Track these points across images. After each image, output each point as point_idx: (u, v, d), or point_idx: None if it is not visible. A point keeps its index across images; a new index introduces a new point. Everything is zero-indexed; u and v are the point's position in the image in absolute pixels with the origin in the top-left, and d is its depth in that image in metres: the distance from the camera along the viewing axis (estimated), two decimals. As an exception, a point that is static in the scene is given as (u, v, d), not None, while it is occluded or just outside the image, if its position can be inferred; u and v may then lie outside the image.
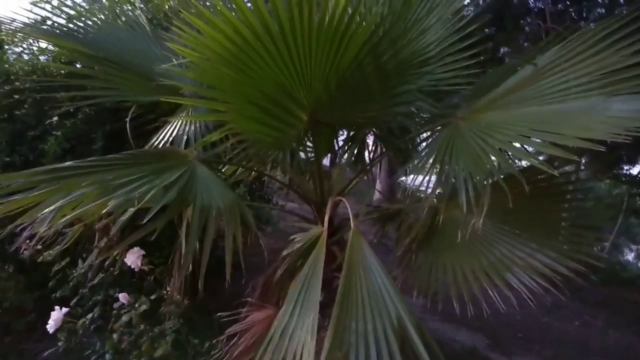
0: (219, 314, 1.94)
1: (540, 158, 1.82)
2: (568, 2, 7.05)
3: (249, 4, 1.34)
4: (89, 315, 2.05)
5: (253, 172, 2.36)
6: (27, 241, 2.16)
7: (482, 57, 2.16)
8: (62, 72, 2.88)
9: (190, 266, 1.51)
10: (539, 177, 1.93)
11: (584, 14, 6.92)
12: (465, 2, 2.17)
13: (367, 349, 1.20)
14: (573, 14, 6.96)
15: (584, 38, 1.59)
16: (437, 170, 1.58)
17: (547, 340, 4.61)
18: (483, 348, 4.22)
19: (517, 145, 1.51)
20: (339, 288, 1.30)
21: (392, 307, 1.30)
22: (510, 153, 1.61)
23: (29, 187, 1.37)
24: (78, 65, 2.74)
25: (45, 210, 1.31)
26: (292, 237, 1.73)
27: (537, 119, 1.50)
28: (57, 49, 2.74)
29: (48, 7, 2.29)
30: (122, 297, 2.02)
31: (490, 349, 4.23)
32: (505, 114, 1.60)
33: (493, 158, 1.46)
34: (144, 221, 1.35)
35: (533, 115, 1.53)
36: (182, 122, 2.20)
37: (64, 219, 1.35)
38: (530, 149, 1.56)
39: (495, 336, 4.42)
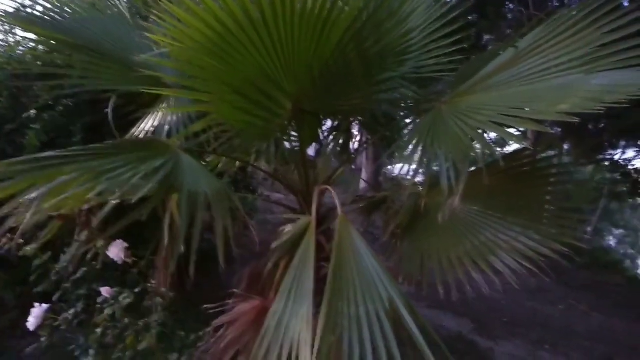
0: (205, 305, 1.92)
1: (524, 144, 1.84)
2: (550, -11, 7.10)
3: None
4: (72, 310, 2.02)
5: (237, 163, 2.34)
6: (8, 235, 2.12)
7: (465, 45, 2.16)
8: (39, 63, 2.81)
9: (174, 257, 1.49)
10: (523, 161, 1.95)
11: (566, 1, 6.97)
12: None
13: (360, 332, 1.21)
14: (555, 0, 7.00)
15: (564, 19, 1.59)
16: (420, 155, 1.57)
17: (532, 324, 4.69)
18: (469, 333, 4.28)
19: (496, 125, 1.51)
20: (329, 273, 1.31)
21: (384, 290, 1.31)
22: (490, 133, 1.61)
23: (9, 177, 1.33)
24: (56, 54, 2.68)
25: (26, 198, 1.28)
26: (282, 228, 1.72)
27: (516, 98, 1.50)
28: (34, 38, 2.67)
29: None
30: (105, 290, 1.99)
31: (477, 333, 4.29)
32: (485, 96, 1.60)
33: (471, 138, 1.46)
34: (129, 211, 1.32)
35: (512, 95, 1.53)
36: (163, 113, 2.16)
37: (48, 205, 1.31)
38: (512, 130, 1.56)
39: (481, 321, 4.49)
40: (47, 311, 1.92)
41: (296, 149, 2.15)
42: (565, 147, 7.65)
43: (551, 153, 1.97)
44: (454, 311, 4.51)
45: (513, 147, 2.12)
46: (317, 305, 1.33)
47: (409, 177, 1.76)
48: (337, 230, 1.47)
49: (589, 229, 8.07)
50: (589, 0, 1.51)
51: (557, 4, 7.00)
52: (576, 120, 1.19)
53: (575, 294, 5.73)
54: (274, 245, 1.72)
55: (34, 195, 1.27)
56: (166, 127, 2.08)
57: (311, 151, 2.43)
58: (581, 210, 1.92)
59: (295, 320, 1.29)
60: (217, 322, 1.90)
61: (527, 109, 1.41)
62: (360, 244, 1.44)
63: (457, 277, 1.78)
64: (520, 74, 1.59)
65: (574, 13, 1.57)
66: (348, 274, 1.35)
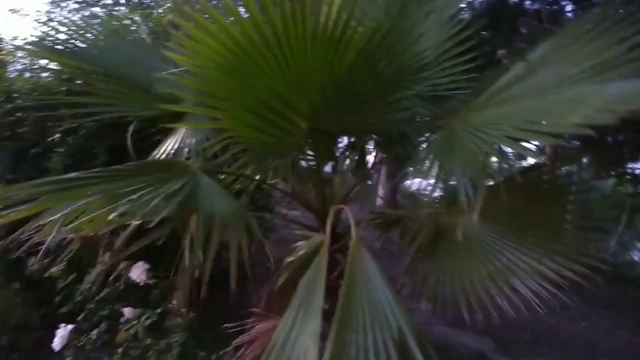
0: (225, 325, 1.93)
1: (542, 159, 1.82)
2: (564, 3, 7.08)
3: (244, 13, 1.35)
4: (95, 331, 2.05)
5: (255, 182, 2.37)
6: (34, 257, 2.18)
7: (479, 61, 2.17)
8: (63, 89, 2.90)
9: (195, 278, 1.51)
10: (542, 178, 1.93)
11: (581, 15, 6.94)
12: (462, 6, 2.18)
13: None
14: (569, 14, 6.98)
15: (574, 31, 1.60)
16: (436, 172, 1.57)
17: (555, 342, 4.58)
18: (491, 352, 4.20)
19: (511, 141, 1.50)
20: (339, 300, 1.30)
21: (393, 319, 1.28)
22: (505, 148, 1.60)
23: (34, 198, 1.38)
24: (79, 82, 2.77)
25: (50, 219, 1.32)
26: (295, 245, 1.73)
27: (529, 111, 1.49)
28: (58, 66, 2.76)
29: (49, 25, 2.31)
30: (127, 311, 2.02)
31: (498, 352, 4.20)
32: (499, 111, 1.60)
33: (494, 159, 1.46)
34: (149, 230, 1.35)
35: (525, 109, 1.52)
36: (182, 135, 2.21)
37: (70, 226, 1.35)
38: (528, 145, 1.55)
39: (503, 339, 4.39)
40: (73, 331, 1.96)
41: (312, 167, 2.18)
42: (584, 160, 7.53)
43: (570, 168, 1.95)
44: (476, 330, 4.43)
45: (530, 162, 2.11)
46: (328, 322, 1.33)
47: (425, 194, 1.76)
48: (350, 255, 1.46)
49: (611, 243, 7.88)
50: (596, 11, 1.51)
51: (572, 18, 6.98)
52: (590, 133, 1.17)
53: (598, 310, 5.59)
54: (286, 261, 1.73)
55: (57, 216, 1.31)
56: (185, 150, 2.13)
57: (327, 168, 2.45)
58: (603, 226, 1.90)
59: (302, 338, 1.27)
60: (236, 341, 1.90)
61: (543, 122, 1.39)
62: (372, 269, 1.42)
63: (479, 297, 1.76)
64: (532, 87, 1.58)
65: (584, 24, 1.57)
66: (358, 302, 1.32)
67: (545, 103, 1.49)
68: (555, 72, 1.56)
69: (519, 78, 1.68)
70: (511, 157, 1.71)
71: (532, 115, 1.46)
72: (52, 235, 1.33)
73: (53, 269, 2.17)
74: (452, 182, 1.53)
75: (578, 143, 7.25)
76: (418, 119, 2.14)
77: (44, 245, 1.39)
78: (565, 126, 1.30)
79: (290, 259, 1.69)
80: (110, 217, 1.36)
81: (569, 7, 7.07)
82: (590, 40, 1.52)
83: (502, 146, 1.46)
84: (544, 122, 1.39)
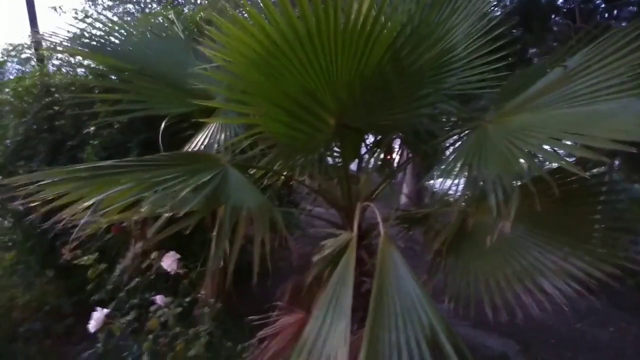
0: (250, 317, 1.97)
1: (570, 159, 1.80)
2: (598, 1, 6.90)
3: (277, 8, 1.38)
4: (126, 318, 2.11)
5: (282, 177, 2.40)
6: (67, 246, 2.26)
7: (510, 59, 2.15)
8: (98, 85, 2.99)
9: (222, 270, 1.55)
10: (571, 179, 1.90)
11: (615, 13, 6.75)
12: (493, 2, 2.16)
13: None
14: (603, 12, 6.80)
15: (615, 39, 1.56)
16: (466, 174, 1.57)
17: (580, 347, 4.48)
18: (514, 354, 4.14)
19: (548, 148, 1.48)
20: (371, 298, 1.30)
21: (425, 317, 1.28)
22: (540, 156, 1.59)
23: (71, 182, 1.43)
24: (113, 78, 2.85)
25: (84, 205, 1.37)
26: (322, 242, 1.74)
27: (568, 121, 1.47)
28: (93, 62, 2.85)
29: (86, 21, 2.39)
30: (159, 298, 2.08)
31: (522, 355, 4.14)
32: (535, 117, 1.58)
33: (522, 161, 1.44)
34: (179, 218, 1.39)
35: (563, 117, 1.51)
36: (213, 131, 2.26)
37: (103, 212, 1.40)
38: (561, 151, 1.54)
39: (527, 342, 4.33)
40: (107, 315, 2.03)
41: (339, 164, 2.19)
42: (616, 162, 7.34)
43: (597, 170, 1.92)
44: (500, 331, 4.37)
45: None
46: (357, 320, 1.33)
47: (452, 194, 1.76)
48: (379, 252, 1.46)
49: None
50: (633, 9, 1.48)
51: (607, 16, 6.79)
52: (634, 150, 1.16)
53: (626, 316, 5.43)
54: (314, 258, 1.74)
55: (90, 202, 1.36)
56: (215, 146, 2.17)
57: (353, 166, 2.46)
58: (634, 229, 1.86)
59: (332, 336, 1.28)
60: (261, 333, 1.94)
61: (581, 134, 1.36)
62: (402, 266, 1.42)
63: (504, 297, 1.75)
64: (569, 95, 1.56)
65: (625, 32, 1.53)
66: (389, 300, 1.33)
67: (584, 113, 1.47)
68: (594, 81, 1.54)
69: (556, 84, 1.65)
70: (542, 157, 1.69)
71: (569, 125, 1.44)
72: (84, 220, 1.37)
73: (85, 258, 2.25)
74: (480, 184, 1.53)
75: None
76: (445, 118, 2.13)
77: (76, 233, 1.44)
78: (607, 142, 1.27)
79: (318, 256, 1.71)
80: (141, 207, 1.41)
81: (603, 5, 6.88)
82: (633, 50, 1.49)
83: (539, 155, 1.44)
84: (582, 134, 1.37)
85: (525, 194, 1.41)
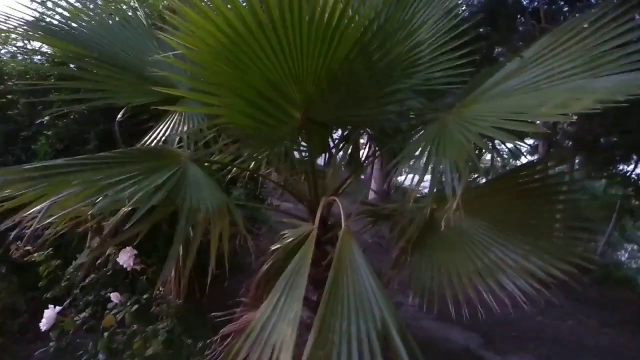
0: (213, 313, 1.93)
1: (534, 157, 1.82)
2: (562, 2, 7.09)
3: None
4: (81, 315, 2.04)
5: (247, 171, 2.36)
6: (17, 242, 2.16)
7: (476, 57, 2.17)
8: (55, 73, 2.87)
9: (184, 266, 1.51)
10: (534, 177, 1.94)
11: (577, 15, 6.95)
12: (459, 1, 2.17)
13: (349, 350, 1.19)
14: (567, 14, 6.99)
15: (569, 29, 1.60)
16: (426, 166, 1.56)
17: (541, 339, 4.62)
18: (477, 347, 4.23)
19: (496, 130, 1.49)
20: (325, 287, 1.30)
21: (377, 310, 1.29)
22: (494, 139, 1.60)
23: (20, 182, 1.36)
24: (71, 66, 2.73)
25: (34, 209, 1.31)
26: (282, 232, 1.73)
27: (519, 104, 1.50)
28: (50, 49, 2.72)
29: (43, 5, 2.27)
30: (114, 296, 2.01)
31: (484, 348, 4.24)
32: (489, 105, 1.60)
33: (472, 143, 1.45)
34: (130, 224, 1.35)
35: (515, 102, 1.53)
36: (174, 122, 2.19)
37: (53, 218, 1.34)
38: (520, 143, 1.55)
39: (489, 335, 4.43)
40: (59, 313, 1.95)
41: (305, 158, 2.17)
42: (577, 161, 7.58)
43: (562, 167, 1.96)
44: (463, 325, 4.46)
45: (522, 161, 2.11)
46: (313, 311, 1.32)
47: (416, 188, 1.76)
48: (339, 244, 1.46)
49: (600, 244, 7.95)
50: (595, 11, 1.52)
51: (570, 17, 6.98)
52: (574, 119, 1.17)
53: (585, 309, 5.64)
54: (271, 248, 1.73)
55: (37, 207, 1.31)
56: (177, 138, 2.11)
57: (320, 161, 2.44)
58: (592, 226, 1.91)
59: (281, 325, 1.29)
60: (224, 330, 1.90)
61: (529, 112, 1.40)
62: (359, 259, 1.42)
63: (467, 293, 1.77)
64: (525, 82, 1.58)
65: (579, 21, 1.57)
66: (344, 290, 1.33)
67: (537, 95, 1.50)
68: (549, 67, 1.57)
69: (512, 73, 1.68)
70: (506, 156, 1.70)
71: (522, 106, 1.47)
72: (34, 226, 1.32)
73: (36, 255, 2.15)
74: (442, 177, 1.53)
75: (570, 143, 7.29)
76: (412, 114, 2.13)
77: (27, 237, 1.38)
78: (554, 115, 1.30)
79: (276, 246, 1.69)
80: (91, 212, 1.35)
81: (566, 8, 7.07)
82: (584, 38, 1.53)
83: (496, 142, 1.46)
84: (528, 113, 1.39)
85: (488, 192, 1.41)
